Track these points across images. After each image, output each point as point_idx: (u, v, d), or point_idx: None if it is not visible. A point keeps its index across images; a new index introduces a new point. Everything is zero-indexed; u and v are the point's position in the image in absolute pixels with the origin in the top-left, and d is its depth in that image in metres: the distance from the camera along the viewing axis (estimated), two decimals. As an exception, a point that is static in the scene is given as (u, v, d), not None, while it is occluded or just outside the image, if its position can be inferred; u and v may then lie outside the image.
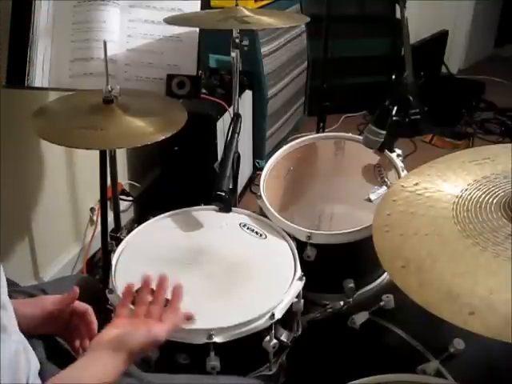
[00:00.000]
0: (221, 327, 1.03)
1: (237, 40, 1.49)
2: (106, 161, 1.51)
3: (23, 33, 1.43)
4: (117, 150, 1.51)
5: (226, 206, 1.36)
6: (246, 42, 1.51)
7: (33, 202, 1.74)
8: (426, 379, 0.96)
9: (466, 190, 0.84)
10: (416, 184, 0.90)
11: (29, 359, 0.75)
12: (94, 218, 2.01)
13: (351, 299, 1.28)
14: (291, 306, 1.14)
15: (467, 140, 3.10)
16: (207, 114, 2.04)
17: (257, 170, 2.56)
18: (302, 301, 1.19)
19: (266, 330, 1.08)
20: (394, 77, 2.82)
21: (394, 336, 1.13)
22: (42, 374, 0.79)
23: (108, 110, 1.27)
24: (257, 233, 1.31)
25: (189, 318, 0.93)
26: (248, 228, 1.32)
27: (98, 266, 1.96)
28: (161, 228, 1.34)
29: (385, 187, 1.48)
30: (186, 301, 1.09)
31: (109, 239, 1.58)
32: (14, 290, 1.07)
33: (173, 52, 1.48)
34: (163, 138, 1.22)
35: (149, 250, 1.26)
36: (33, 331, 0.88)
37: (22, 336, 0.76)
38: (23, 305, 0.89)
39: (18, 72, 1.43)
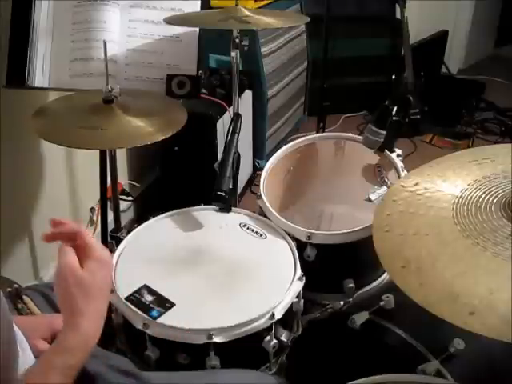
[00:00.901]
0: (221, 327, 1.03)
1: (237, 40, 1.49)
2: (106, 161, 1.51)
3: (23, 33, 1.43)
4: (117, 149, 1.51)
5: (226, 206, 1.36)
6: (245, 42, 1.51)
7: (33, 202, 1.74)
8: (426, 379, 0.96)
9: (466, 190, 0.84)
10: (416, 184, 0.90)
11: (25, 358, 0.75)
12: (94, 217, 2.01)
13: (351, 299, 1.28)
14: (291, 306, 1.14)
15: (467, 140, 3.10)
16: (207, 113, 2.04)
17: (257, 169, 2.56)
18: (302, 301, 1.19)
19: (266, 330, 1.08)
20: (393, 77, 2.84)
21: (394, 336, 1.13)
22: None
23: (108, 110, 1.27)
24: (257, 233, 1.31)
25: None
26: (248, 228, 1.32)
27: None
28: (161, 228, 1.34)
29: (385, 187, 1.48)
30: (186, 301, 1.10)
31: (109, 239, 1.59)
32: (28, 287, 1.07)
33: (173, 52, 1.48)
34: (163, 138, 1.22)
35: (149, 250, 1.26)
36: None
37: (22, 336, 0.76)
38: (30, 329, 0.84)
39: (18, 72, 1.43)
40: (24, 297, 0.99)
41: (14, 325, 0.74)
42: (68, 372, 0.70)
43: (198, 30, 1.48)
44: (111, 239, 1.56)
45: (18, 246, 1.70)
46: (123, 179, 2.18)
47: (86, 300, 0.73)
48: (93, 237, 0.80)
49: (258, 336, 1.08)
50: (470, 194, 0.83)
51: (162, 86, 1.47)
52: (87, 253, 0.77)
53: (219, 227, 1.33)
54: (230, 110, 1.98)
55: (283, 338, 1.13)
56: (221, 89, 2.14)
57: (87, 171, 1.84)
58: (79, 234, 0.79)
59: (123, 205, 2.12)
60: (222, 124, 2.06)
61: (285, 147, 1.58)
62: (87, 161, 1.83)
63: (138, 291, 1.11)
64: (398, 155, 1.49)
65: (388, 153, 1.48)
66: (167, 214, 1.37)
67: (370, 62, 3.19)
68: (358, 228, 1.28)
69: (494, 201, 0.79)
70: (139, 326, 1.05)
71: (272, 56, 2.56)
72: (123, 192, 2.14)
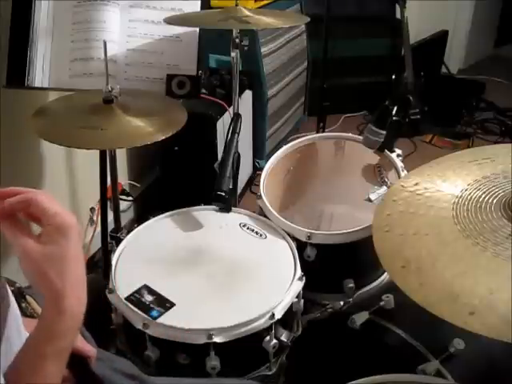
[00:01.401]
0: (221, 327, 1.03)
1: (237, 40, 1.49)
2: (106, 161, 1.51)
3: (23, 33, 1.43)
4: (117, 149, 1.51)
5: (226, 206, 1.36)
6: (245, 42, 1.51)
7: (33, 202, 1.74)
8: (426, 379, 0.96)
9: (466, 190, 0.84)
10: (416, 184, 0.90)
11: None
12: (94, 217, 2.01)
13: (351, 299, 1.28)
14: (291, 306, 1.14)
15: (467, 140, 3.10)
16: (207, 113, 2.04)
17: (257, 170, 2.56)
18: (302, 301, 1.20)
19: (266, 330, 1.08)
20: (393, 77, 2.84)
21: (394, 336, 1.13)
22: None
23: (108, 110, 1.27)
24: (257, 233, 1.31)
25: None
26: (248, 228, 1.32)
27: (98, 266, 1.96)
28: (161, 228, 1.34)
29: (385, 187, 1.48)
30: (186, 301, 1.10)
31: (109, 239, 1.58)
32: (28, 286, 1.07)
33: (173, 52, 1.48)
34: (163, 138, 1.22)
35: (149, 249, 1.26)
36: None
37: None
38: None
39: (18, 72, 1.43)
40: (27, 296, 0.99)
41: (26, 331, 0.74)
42: (62, 355, 0.66)
43: (197, 30, 1.48)
44: (111, 239, 1.56)
45: (18, 246, 1.70)
46: (123, 179, 2.18)
47: (61, 276, 0.65)
48: (46, 196, 0.68)
49: (258, 336, 1.08)
50: (470, 193, 0.83)
51: (162, 86, 1.47)
52: (46, 222, 0.66)
53: (219, 227, 1.34)
54: (230, 110, 1.98)
55: (283, 338, 1.13)
56: (221, 89, 2.14)
57: (87, 171, 1.84)
58: (32, 201, 0.66)
59: (123, 205, 2.12)
60: (222, 124, 2.06)
61: (285, 147, 1.58)
62: (87, 161, 1.83)
63: (138, 291, 1.11)
64: (398, 155, 1.49)
65: (388, 153, 1.48)
66: (167, 214, 1.37)
67: (369, 62, 3.19)
68: (358, 228, 1.28)
69: (494, 201, 0.79)
70: (139, 326, 1.05)
71: (272, 56, 2.56)
72: (123, 192, 2.14)
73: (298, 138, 1.66)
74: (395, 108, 1.44)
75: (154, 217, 1.36)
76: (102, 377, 0.85)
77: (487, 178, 0.85)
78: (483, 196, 0.81)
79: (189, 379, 0.97)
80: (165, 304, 1.08)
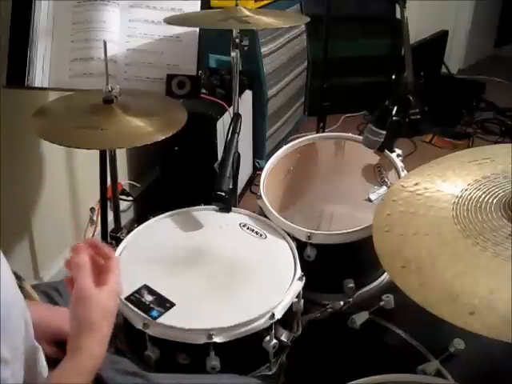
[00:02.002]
0: (221, 327, 1.03)
1: (237, 40, 1.49)
2: (106, 161, 1.51)
3: (23, 33, 1.43)
4: (117, 149, 1.51)
5: (226, 206, 1.36)
6: (245, 42, 1.51)
7: (33, 202, 1.74)
8: (426, 379, 0.96)
9: (466, 190, 0.84)
10: (416, 184, 0.90)
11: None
12: (94, 217, 2.01)
13: (351, 299, 1.28)
14: (291, 305, 1.14)
15: (467, 140, 3.10)
16: (207, 113, 2.04)
17: (257, 170, 2.56)
18: (302, 301, 1.19)
19: (266, 330, 1.08)
20: (393, 77, 2.84)
21: (394, 336, 1.13)
22: None
23: (108, 110, 1.27)
24: (257, 233, 1.31)
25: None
26: (248, 228, 1.32)
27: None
28: (161, 228, 1.34)
29: (385, 187, 1.48)
30: (186, 301, 1.10)
31: (109, 239, 1.59)
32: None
33: (173, 52, 1.48)
34: (163, 137, 1.22)
35: (149, 250, 1.26)
36: None
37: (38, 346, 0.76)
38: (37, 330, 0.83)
39: (18, 72, 1.43)
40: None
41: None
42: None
43: (197, 30, 1.48)
44: (111, 239, 1.56)
45: (18, 246, 1.70)
46: (123, 179, 2.18)
47: (101, 322, 0.75)
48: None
49: (258, 336, 1.08)
50: (470, 194, 0.83)
51: (162, 86, 1.47)
52: (107, 278, 0.80)
53: (219, 227, 1.33)
54: (230, 110, 1.98)
55: (283, 338, 1.13)
56: (221, 89, 2.14)
57: (87, 171, 1.84)
58: (114, 259, 0.83)
59: (123, 205, 2.12)
60: (222, 124, 2.06)
61: (285, 147, 1.58)
62: (87, 161, 1.83)
63: (138, 291, 1.11)
64: (398, 155, 1.49)
65: (388, 153, 1.48)
66: (167, 214, 1.37)
67: (370, 62, 3.19)
68: (358, 228, 1.28)
69: (494, 201, 0.79)
70: (139, 326, 1.05)
71: (272, 56, 2.56)
72: (123, 192, 2.14)
73: (298, 137, 1.66)
74: (395, 108, 1.44)
75: (153, 217, 1.36)
76: (106, 378, 0.86)
77: (487, 178, 0.85)
78: (483, 196, 0.81)
79: (188, 375, 0.98)
80: (165, 304, 1.08)
